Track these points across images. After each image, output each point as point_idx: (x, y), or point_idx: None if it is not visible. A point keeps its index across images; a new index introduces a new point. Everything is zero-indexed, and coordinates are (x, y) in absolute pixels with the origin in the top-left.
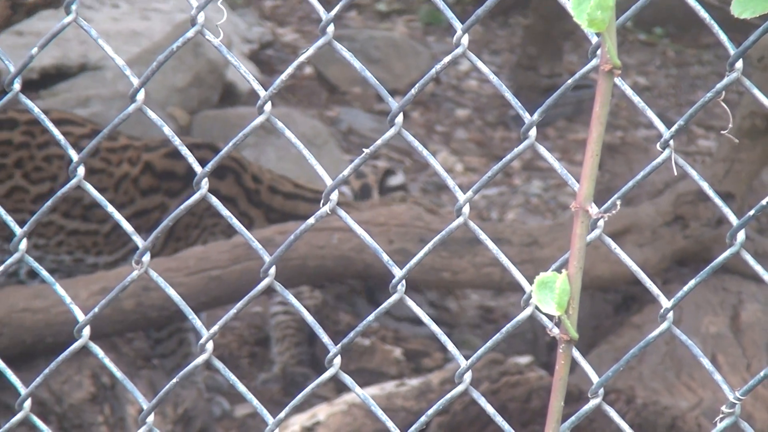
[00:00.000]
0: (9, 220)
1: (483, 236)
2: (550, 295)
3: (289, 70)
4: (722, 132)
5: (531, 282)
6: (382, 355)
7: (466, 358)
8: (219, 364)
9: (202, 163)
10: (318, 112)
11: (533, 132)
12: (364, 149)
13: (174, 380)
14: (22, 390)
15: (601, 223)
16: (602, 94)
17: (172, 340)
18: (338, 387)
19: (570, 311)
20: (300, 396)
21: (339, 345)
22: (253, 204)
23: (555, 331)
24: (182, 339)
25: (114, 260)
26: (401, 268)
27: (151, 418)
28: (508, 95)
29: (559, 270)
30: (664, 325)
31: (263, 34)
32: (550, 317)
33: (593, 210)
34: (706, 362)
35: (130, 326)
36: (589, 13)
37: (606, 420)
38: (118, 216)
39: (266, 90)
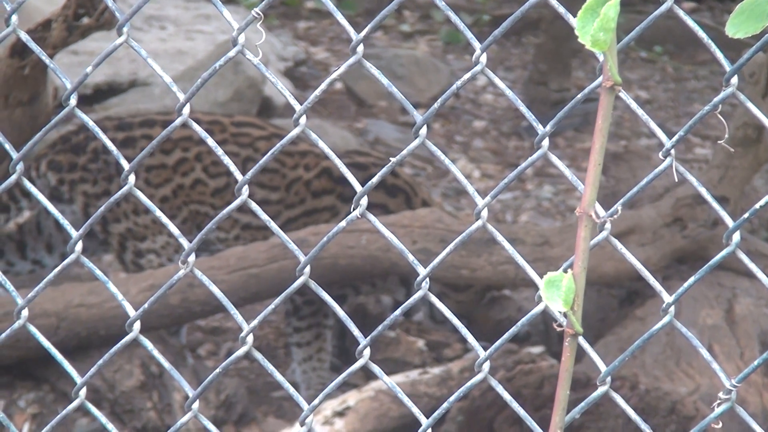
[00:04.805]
0: (65, 223)
1: (499, 237)
2: (557, 293)
3: (323, 85)
4: (718, 141)
5: (542, 279)
6: (406, 345)
7: (485, 349)
8: (258, 355)
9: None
10: (348, 124)
11: (546, 142)
12: (390, 158)
13: (217, 370)
14: (78, 380)
15: (607, 225)
16: (604, 108)
17: (311, 332)
18: (367, 375)
19: (575, 307)
20: (332, 384)
21: (368, 338)
22: None
23: (563, 325)
24: (320, 333)
25: None
26: (424, 266)
27: (196, 405)
28: (523, 108)
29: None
30: (666, 319)
31: (297, 53)
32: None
33: (596, 215)
34: (704, 352)
35: (176, 320)
36: (592, 34)
37: (612, 404)
38: (165, 220)
39: (301, 105)
